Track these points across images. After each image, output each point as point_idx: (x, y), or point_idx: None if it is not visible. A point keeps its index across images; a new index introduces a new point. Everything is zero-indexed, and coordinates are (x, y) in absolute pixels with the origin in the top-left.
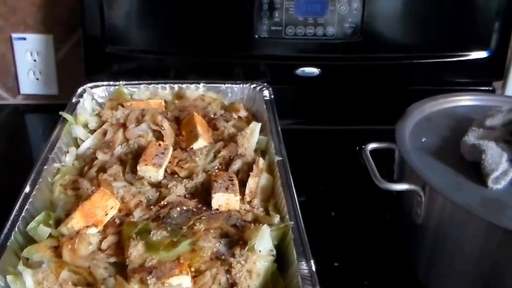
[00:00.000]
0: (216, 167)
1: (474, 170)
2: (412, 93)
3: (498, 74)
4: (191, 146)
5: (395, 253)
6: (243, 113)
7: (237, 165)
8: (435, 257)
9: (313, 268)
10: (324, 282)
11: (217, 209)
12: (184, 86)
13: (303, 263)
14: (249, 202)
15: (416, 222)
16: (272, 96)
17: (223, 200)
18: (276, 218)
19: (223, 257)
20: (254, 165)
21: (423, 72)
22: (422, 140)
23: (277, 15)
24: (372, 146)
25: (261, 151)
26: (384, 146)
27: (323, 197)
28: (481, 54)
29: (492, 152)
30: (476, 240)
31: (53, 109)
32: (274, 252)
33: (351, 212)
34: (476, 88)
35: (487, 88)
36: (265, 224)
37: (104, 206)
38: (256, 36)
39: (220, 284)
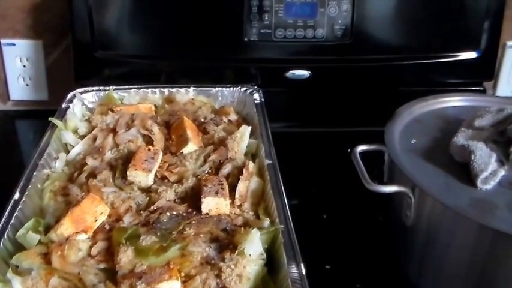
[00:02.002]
0: (206, 171)
1: (464, 170)
2: (402, 95)
3: (488, 74)
4: (181, 151)
5: (388, 255)
6: (233, 117)
7: (227, 169)
8: (426, 259)
9: (303, 272)
10: (315, 285)
11: (207, 214)
12: (174, 90)
13: (293, 266)
14: (239, 206)
15: (407, 224)
16: (262, 99)
17: (213, 204)
18: (266, 222)
19: (213, 262)
20: (244, 169)
21: (414, 73)
22: (412, 142)
23: (266, 18)
24: (362, 148)
25: (252, 155)
26: (373, 148)
27: (315, 200)
28: (471, 54)
29: (481, 153)
30: (466, 241)
31: (43, 115)
32: (264, 256)
33: (342, 214)
34: (467, 89)
35: (478, 88)
36: (255, 228)
37: (93, 211)
38: (246, 39)
39: None
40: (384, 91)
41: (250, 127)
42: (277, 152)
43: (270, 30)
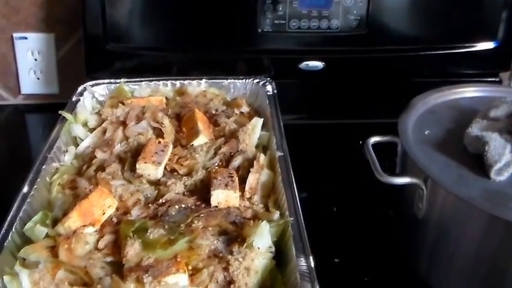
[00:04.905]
0: (216, 164)
1: (478, 162)
2: (418, 86)
3: (505, 65)
4: (191, 143)
5: (398, 249)
6: (245, 109)
7: (237, 161)
8: (437, 252)
9: (312, 264)
10: (324, 279)
11: (216, 206)
12: (186, 82)
13: (302, 259)
14: (249, 199)
15: (418, 217)
16: (275, 91)
17: (223, 196)
18: (276, 215)
19: (221, 255)
20: (255, 161)
21: (429, 64)
22: (426, 133)
23: (280, 8)
24: (374, 139)
25: (263, 147)
26: (386, 140)
27: (325, 193)
28: (488, 45)
29: (495, 144)
30: (479, 233)
31: (54, 108)
32: (273, 249)
33: (353, 207)
34: (483, 80)
35: (494, 79)
36: (264, 221)
37: (101, 204)
38: (260, 30)
39: (217, 281)
40: (399, 82)
41: (262, 119)
42: (289, 144)
43: (284, 21)
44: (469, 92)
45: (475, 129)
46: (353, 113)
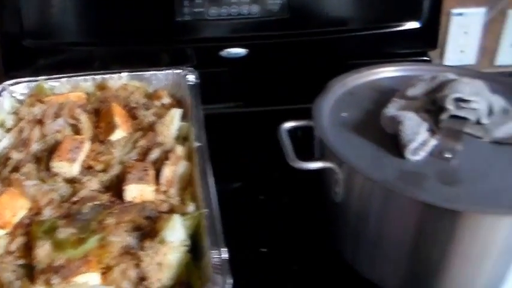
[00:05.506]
0: (134, 158)
1: (395, 143)
2: (347, 68)
3: (432, 44)
4: (108, 138)
5: (324, 236)
6: (166, 100)
7: (154, 154)
8: (359, 237)
9: (225, 256)
10: (250, 269)
11: (130, 202)
12: (107, 76)
13: (215, 251)
14: (165, 192)
15: (336, 202)
16: (197, 81)
17: (137, 191)
18: (191, 207)
19: (133, 251)
20: (170, 153)
21: (357, 45)
22: (342, 115)
23: None
24: (289, 124)
25: (183, 138)
26: (302, 124)
27: (252, 182)
28: (414, 24)
29: (410, 123)
30: (397, 216)
31: None
32: (188, 242)
33: (280, 195)
34: (412, 59)
35: (424, 58)
36: (176, 214)
37: (12, 206)
38: (179, 19)
39: (130, 279)
40: (327, 66)
41: (180, 110)
42: (216, 133)
43: (203, 9)
44: (389, 71)
45: (391, 109)
46: (280, 100)
